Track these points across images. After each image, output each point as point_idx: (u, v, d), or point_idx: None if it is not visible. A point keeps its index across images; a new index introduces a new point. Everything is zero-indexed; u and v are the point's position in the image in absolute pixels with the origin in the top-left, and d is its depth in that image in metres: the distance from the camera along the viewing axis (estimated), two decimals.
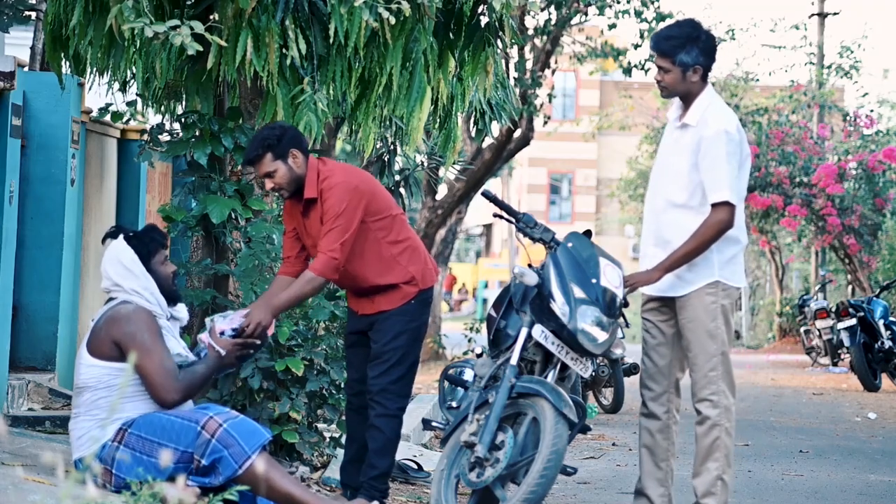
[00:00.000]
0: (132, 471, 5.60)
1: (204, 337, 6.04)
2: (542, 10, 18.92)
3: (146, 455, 5.63)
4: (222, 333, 6.02)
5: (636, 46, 20.39)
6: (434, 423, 7.74)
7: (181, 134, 7.40)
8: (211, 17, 6.98)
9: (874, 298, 18.62)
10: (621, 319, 6.41)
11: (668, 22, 19.61)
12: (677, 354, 6.45)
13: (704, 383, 6.32)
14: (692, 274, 6.31)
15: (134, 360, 5.69)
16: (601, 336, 6.21)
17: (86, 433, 5.76)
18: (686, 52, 6.34)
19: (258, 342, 6.11)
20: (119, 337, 5.73)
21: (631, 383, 13.12)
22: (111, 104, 7.65)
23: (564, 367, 6.31)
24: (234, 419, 5.70)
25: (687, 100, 6.41)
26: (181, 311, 6.06)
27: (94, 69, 7.52)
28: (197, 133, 7.34)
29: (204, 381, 5.89)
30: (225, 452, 5.60)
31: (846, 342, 17.94)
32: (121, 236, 5.94)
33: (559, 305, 6.18)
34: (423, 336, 6.61)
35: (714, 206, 6.24)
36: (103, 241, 6.11)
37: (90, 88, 8.35)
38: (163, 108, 8.19)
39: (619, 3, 19.35)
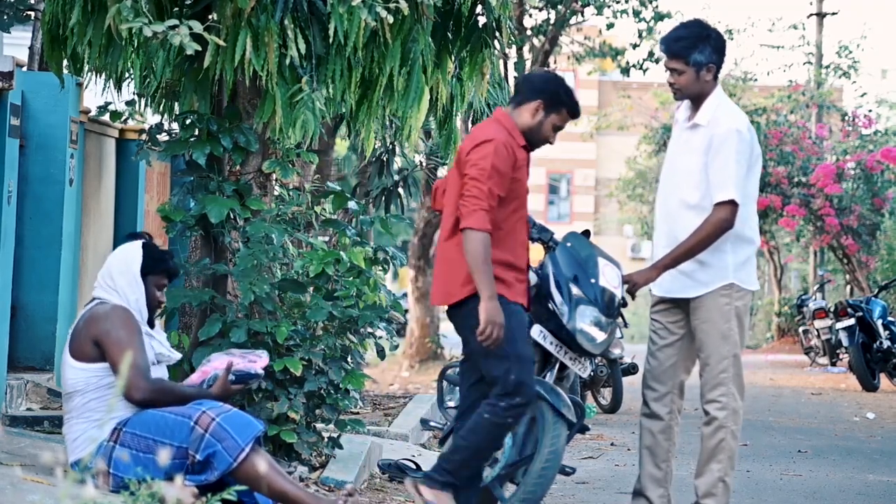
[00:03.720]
0: (130, 469, 5.61)
1: (209, 368, 5.99)
2: (540, 10, 18.93)
3: (143, 452, 5.64)
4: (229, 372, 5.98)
5: (634, 46, 20.40)
6: (432, 423, 7.75)
7: (180, 134, 7.40)
8: (210, 16, 6.98)
9: (873, 298, 18.62)
10: (620, 319, 6.41)
11: (667, 22, 19.66)
12: (683, 356, 6.43)
13: (714, 384, 6.31)
14: (706, 276, 6.30)
15: (108, 357, 5.70)
16: (600, 336, 6.21)
17: (81, 435, 5.76)
18: (699, 51, 6.34)
19: (250, 383, 6.07)
20: (96, 335, 5.75)
21: (629, 383, 13.12)
22: (110, 103, 7.64)
23: (563, 366, 6.32)
24: (227, 413, 5.70)
25: (698, 100, 6.40)
26: (160, 336, 6.05)
27: (93, 69, 7.52)
28: (196, 133, 7.33)
29: (179, 398, 5.80)
30: (219, 446, 5.61)
31: (845, 342, 17.94)
32: (140, 241, 6.00)
33: (558, 305, 6.19)
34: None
35: (717, 204, 6.23)
36: (125, 238, 6.16)
37: (86, 87, 8.35)
38: (162, 108, 8.18)
39: (617, 2, 19.35)
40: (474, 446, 5.91)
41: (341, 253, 7.51)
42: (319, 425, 7.60)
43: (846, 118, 26.41)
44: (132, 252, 5.95)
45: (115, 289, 5.89)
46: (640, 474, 6.51)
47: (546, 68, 20.28)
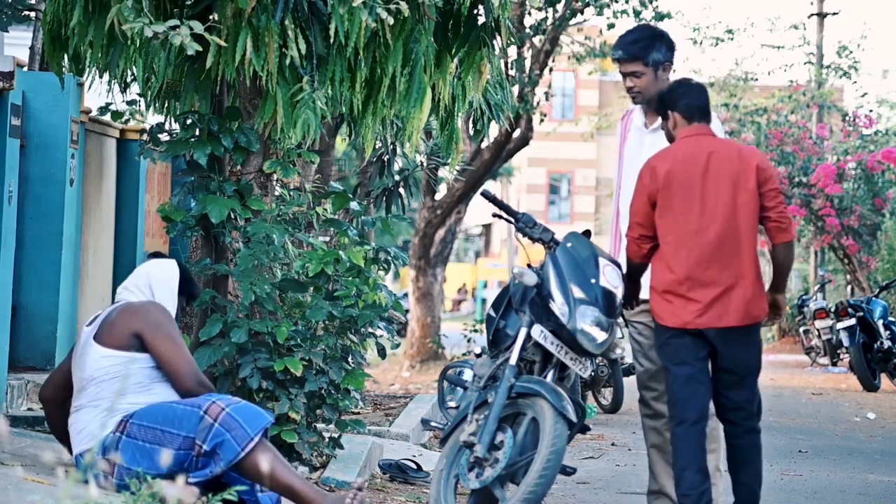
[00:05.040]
0: (136, 461, 5.64)
1: None
2: (540, 9, 18.93)
3: (149, 443, 5.69)
4: None
5: None
6: (433, 423, 7.74)
7: (180, 134, 7.40)
8: (210, 16, 6.98)
9: (873, 298, 18.63)
10: (620, 319, 6.41)
11: (667, 22, 19.69)
12: None
13: None
14: None
15: (160, 349, 5.81)
16: (600, 336, 6.21)
17: (87, 426, 5.81)
18: (656, 49, 6.46)
19: None
20: (141, 327, 5.83)
21: (630, 383, 13.09)
22: (111, 103, 7.65)
23: (564, 367, 6.31)
24: (237, 404, 5.77)
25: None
26: None
27: (94, 69, 7.52)
28: (196, 133, 7.34)
29: None
30: (227, 435, 5.65)
31: (845, 342, 17.95)
32: (174, 261, 6.25)
33: (558, 305, 6.18)
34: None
35: None
36: (149, 257, 6.37)
37: (89, 88, 8.35)
38: (163, 108, 8.18)
39: (617, 2, 19.35)
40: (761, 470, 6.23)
41: (340, 252, 7.51)
42: (320, 425, 7.60)
43: (847, 118, 26.40)
44: (172, 269, 6.17)
45: (152, 298, 6.05)
46: (654, 474, 6.50)
47: (547, 67, 20.25)
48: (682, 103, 6.19)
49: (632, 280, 6.36)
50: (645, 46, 6.44)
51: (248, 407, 5.78)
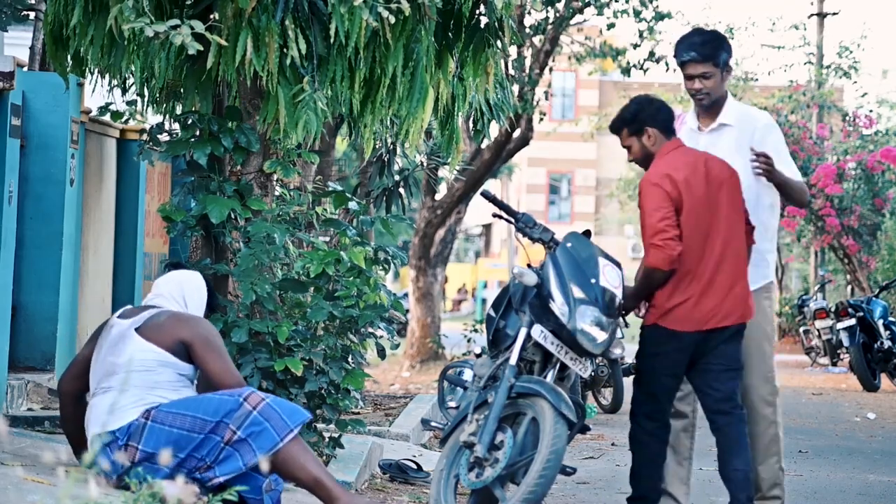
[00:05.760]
0: (160, 444, 5.68)
1: None
2: (540, 10, 18.92)
3: (178, 428, 5.77)
4: None
5: (635, 46, 20.35)
6: (433, 423, 7.75)
7: (181, 134, 7.40)
8: (211, 16, 6.98)
9: (873, 298, 18.63)
10: (621, 319, 6.41)
11: (667, 22, 19.70)
12: None
13: (762, 383, 6.67)
14: (752, 275, 6.43)
15: (209, 363, 5.91)
16: (600, 336, 6.21)
17: (109, 408, 5.86)
18: (724, 50, 6.53)
19: None
20: (191, 338, 5.92)
21: (630, 383, 13.10)
22: (111, 103, 7.64)
23: (564, 367, 6.31)
24: (275, 398, 5.91)
25: (715, 103, 6.51)
26: None
27: (95, 69, 7.51)
28: (197, 133, 7.34)
29: None
30: (266, 425, 5.75)
31: (845, 342, 17.94)
32: (199, 274, 6.42)
33: (558, 305, 6.18)
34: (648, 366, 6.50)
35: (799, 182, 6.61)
36: (171, 267, 6.52)
37: (93, 90, 8.35)
38: (164, 109, 8.17)
39: (617, 2, 19.34)
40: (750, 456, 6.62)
41: (341, 253, 7.51)
42: (320, 425, 7.60)
43: (847, 118, 26.39)
44: (200, 282, 6.33)
45: (185, 307, 6.17)
46: (661, 473, 6.51)
47: (547, 67, 20.23)
48: (661, 119, 6.40)
49: (644, 297, 6.40)
50: (716, 47, 6.49)
51: (286, 402, 5.93)
